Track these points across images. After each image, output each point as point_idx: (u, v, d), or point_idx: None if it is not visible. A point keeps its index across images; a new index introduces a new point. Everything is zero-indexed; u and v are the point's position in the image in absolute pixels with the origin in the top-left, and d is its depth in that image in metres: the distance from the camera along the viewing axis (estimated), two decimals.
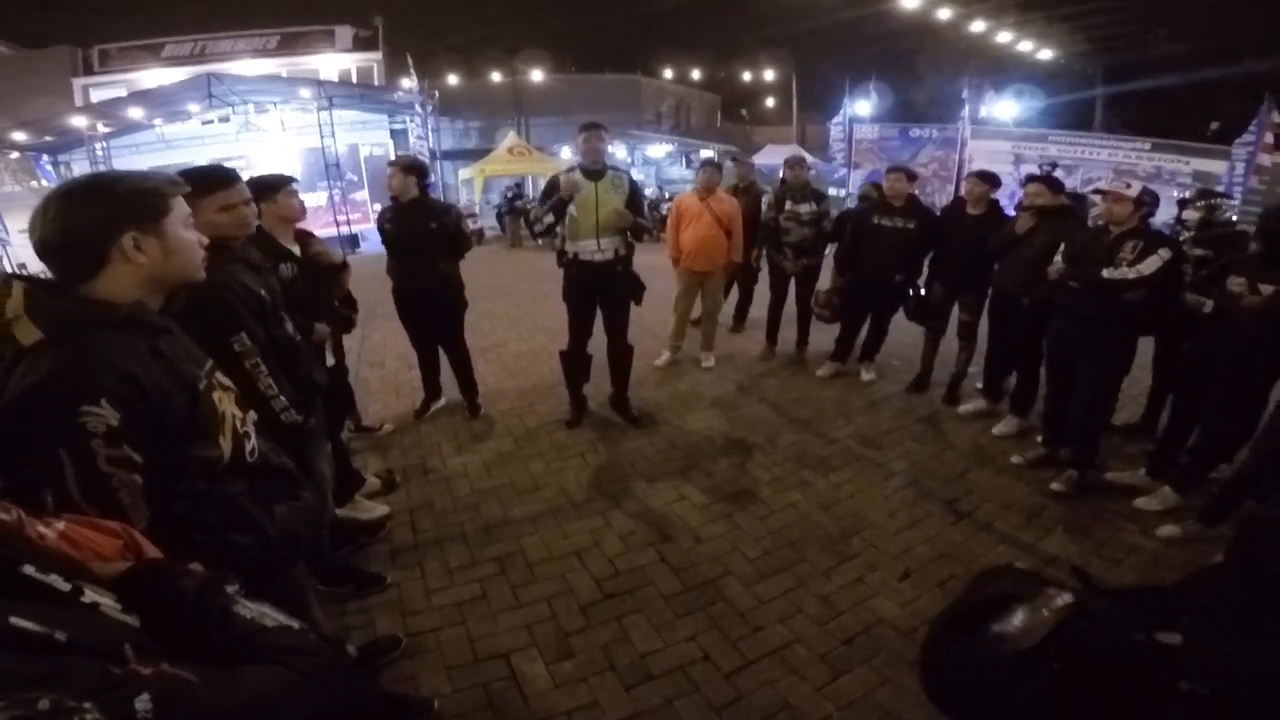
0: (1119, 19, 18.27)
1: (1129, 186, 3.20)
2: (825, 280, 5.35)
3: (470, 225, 4.85)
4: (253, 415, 1.51)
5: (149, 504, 1.21)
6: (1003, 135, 15.72)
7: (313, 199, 13.43)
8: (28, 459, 1.14)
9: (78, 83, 18.34)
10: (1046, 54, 19.48)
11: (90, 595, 0.76)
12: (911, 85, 23.22)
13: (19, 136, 13.47)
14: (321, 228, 13.00)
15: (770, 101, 33.73)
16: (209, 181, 1.99)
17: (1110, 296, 3.09)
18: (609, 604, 2.65)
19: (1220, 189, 8.43)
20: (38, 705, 0.56)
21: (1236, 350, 2.91)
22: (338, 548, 2.90)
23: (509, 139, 17.46)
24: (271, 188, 2.74)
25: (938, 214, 4.83)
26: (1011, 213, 4.25)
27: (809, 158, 5.93)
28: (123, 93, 15.33)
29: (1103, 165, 13.64)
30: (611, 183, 3.77)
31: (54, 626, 0.65)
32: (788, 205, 5.09)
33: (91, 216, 1.18)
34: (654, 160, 21.68)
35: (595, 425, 4.27)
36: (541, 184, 4.16)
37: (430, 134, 15.13)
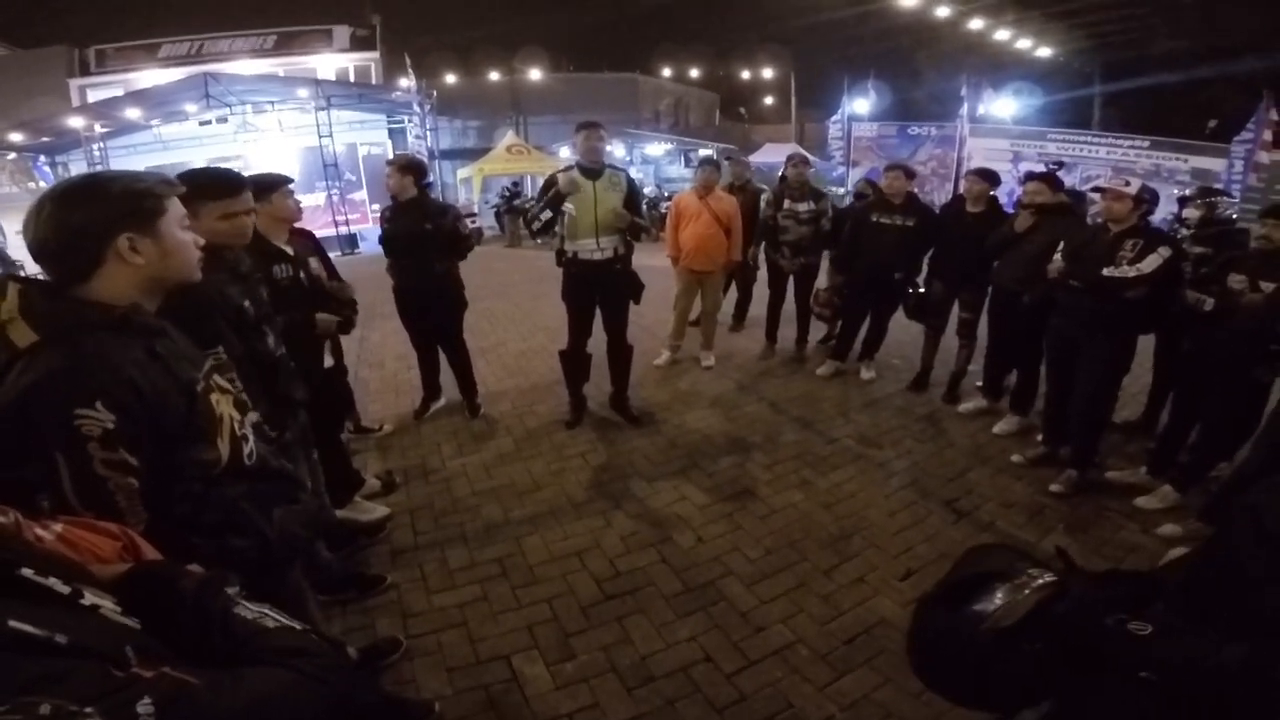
0: (1117, 16, 18.29)
1: (1128, 184, 3.20)
2: (822, 279, 5.35)
3: (469, 225, 4.83)
4: (252, 417, 1.50)
5: (146, 507, 1.20)
6: (1001, 133, 15.74)
7: (311, 199, 13.41)
8: (24, 461, 1.13)
9: (74, 83, 18.30)
10: (1045, 51, 19.51)
11: (90, 598, 0.76)
12: (910, 83, 23.23)
13: (15, 137, 13.46)
14: (320, 228, 12.97)
15: (769, 100, 33.71)
16: (214, 187, 1.97)
17: (1110, 295, 3.09)
18: (610, 605, 2.64)
19: (1219, 186, 8.42)
20: (39, 710, 0.55)
21: (1237, 348, 2.91)
22: (338, 550, 2.90)
23: (507, 138, 17.46)
24: (267, 188, 2.72)
25: (937, 212, 4.82)
26: (1010, 210, 4.25)
27: (809, 156, 5.91)
28: (119, 93, 15.30)
29: (1101, 163, 13.66)
30: (609, 181, 3.76)
31: (54, 629, 0.64)
32: (786, 204, 5.08)
33: (86, 217, 1.17)
34: (653, 159, 21.67)
35: (595, 425, 4.26)
36: (540, 183, 4.14)
37: (428, 133, 15.13)
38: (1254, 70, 15.07)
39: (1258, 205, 8.94)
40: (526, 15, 32.99)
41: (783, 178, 5.35)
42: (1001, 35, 18.53)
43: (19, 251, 8.05)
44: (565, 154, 16.06)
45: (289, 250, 2.79)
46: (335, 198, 14.72)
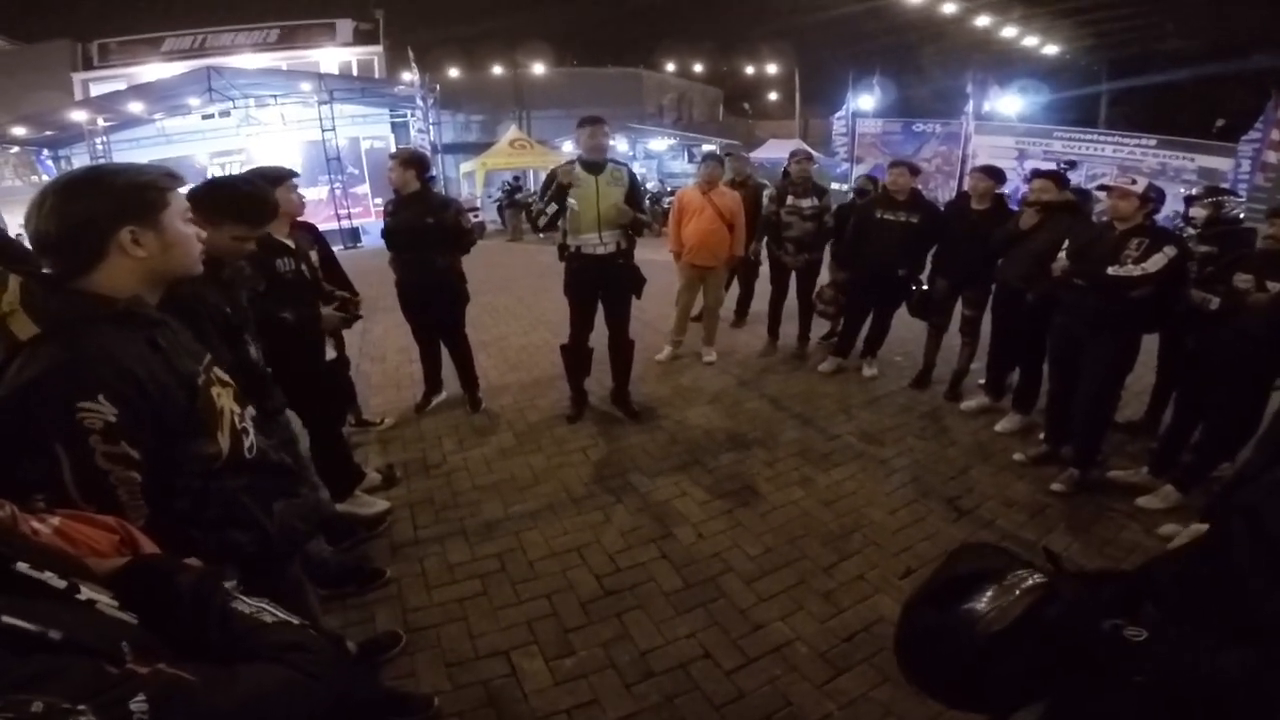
0: (1125, 14, 18.16)
1: (1134, 182, 3.17)
2: (824, 275, 5.33)
3: (471, 219, 4.83)
4: (251, 411, 1.50)
5: (147, 500, 1.20)
6: (1007, 130, 15.70)
7: (314, 193, 13.41)
8: (25, 454, 1.13)
9: (77, 77, 18.30)
10: (1051, 48, 19.39)
11: (86, 592, 0.75)
12: (915, 80, 23.14)
13: (18, 131, 13.48)
14: (322, 221, 12.98)
15: (773, 95, 33.58)
16: (249, 211, 2.00)
17: (1115, 294, 3.07)
18: (609, 600, 2.64)
19: (1226, 185, 8.38)
20: (31, 707, 0.55)
21: (1242, 347, 2.89)
22: (337, 543, 2.90)
23: (510, 132, 17.43)
24: (271, 182, 2.72)
25: (941, 209, 4.79)
26: (1015, 208, 4.23)
27: (813, 153, 5.90)
28: (122, 87, 15.28)
29: (1108, 161, 13.61)
30: (612, 176, 3.75)
31: (48, 625, 0.64)
32: (789, 200, 5.06)
33: (89, 210, 1.16)
34: (656, 154, 21.65)
35: (596, 420, 4.26)
36: (543, 177, 4.13)
37: (431, 127, 15.12)
38: (1263, 69, 14.97)
39: (1265, 204, 8.89)
40: (530, 9, 32.88)
41: (785, 173, 5.33)
42: (1008, 32, 18.43)
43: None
44: (568, 148, 16.04)
45: (290, 244, 2.79)
46: (338, 191, 14.72)
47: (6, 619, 0.62)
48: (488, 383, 4.80)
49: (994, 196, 4.25)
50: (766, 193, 5.62)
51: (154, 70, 16.94)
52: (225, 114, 15.09)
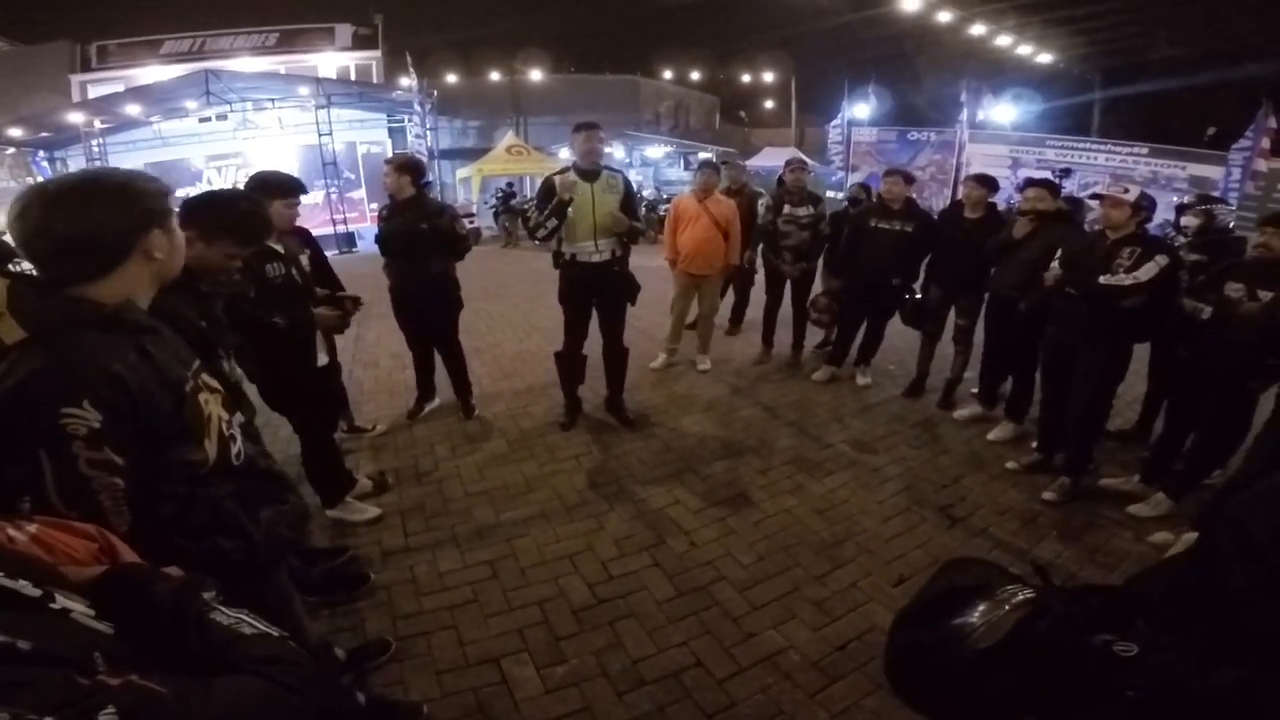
0: (1118, 23, 18.31)
1: (1126, 191, 3.19)
2: (817, 284, 5.35)
3: (466, 225, 4.84)
4: (239, 417, 1.49)
5: (131, 507, 1.19)
6: (1000, 139, 15.79)
7: (309, 197, 13.37)
8: (8, 458, 1.12)
9: (75, 79, 18.26)
10: (1045, 57, 19.52)
11: (61, 601, 0.74)
12: (910, 88, 23.29)
13: (15, 132, 13.44)
14: (318, 226, 12.97)
15: (769, 103, 33.76)
16: (244, 230, 1.99)
17: (1107, 303, 3.08)
18: (602, 608, 2.63)
19: (1217, 194, 8.44)
20: None
21: (1234, 356, 2.90)
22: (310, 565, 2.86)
23: (507, 138, 17.46)
24: (275, 191, 2.73)
25: (935, 217, 4.82)
26: (1008, 217, 4.25)
27: (809, 161, 5.92)
28: (120, 89, 15.27)
29: (1100, 170, 13.69)
30: (607, 183, 3.75)
31: (17, 635, 0.63)
32: (786, 209, 5.08)
33: (123, 214, 1.18)
34: (652, 161, 21.71)
35: (590, 427, 4.25)
36: (539, 183, 4.13)
37: (428, 133, 15.13)
38: (1253, 77, 15.11)
39: (1255, 213, 8.96)
40: (528, 16, 33.00)
41: (780, 182, 5.34)
42: (1002, 41, 18.55)
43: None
44: (565, 155, 16.07)
45: (279, 248, 2.78)
46: (334, 196, 14.71)
47: None
48: (481, 389, 4.79)
49: (987, 205, 4.27)
50: (762, 201, 5.63)
51: (152, 73, 16.92)
52: (222, 117, 15.08)
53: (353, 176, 16.57)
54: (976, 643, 1.13)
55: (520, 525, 3.20)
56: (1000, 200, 4.95)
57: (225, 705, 0.73)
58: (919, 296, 4.62)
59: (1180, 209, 3.99)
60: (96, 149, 13.89)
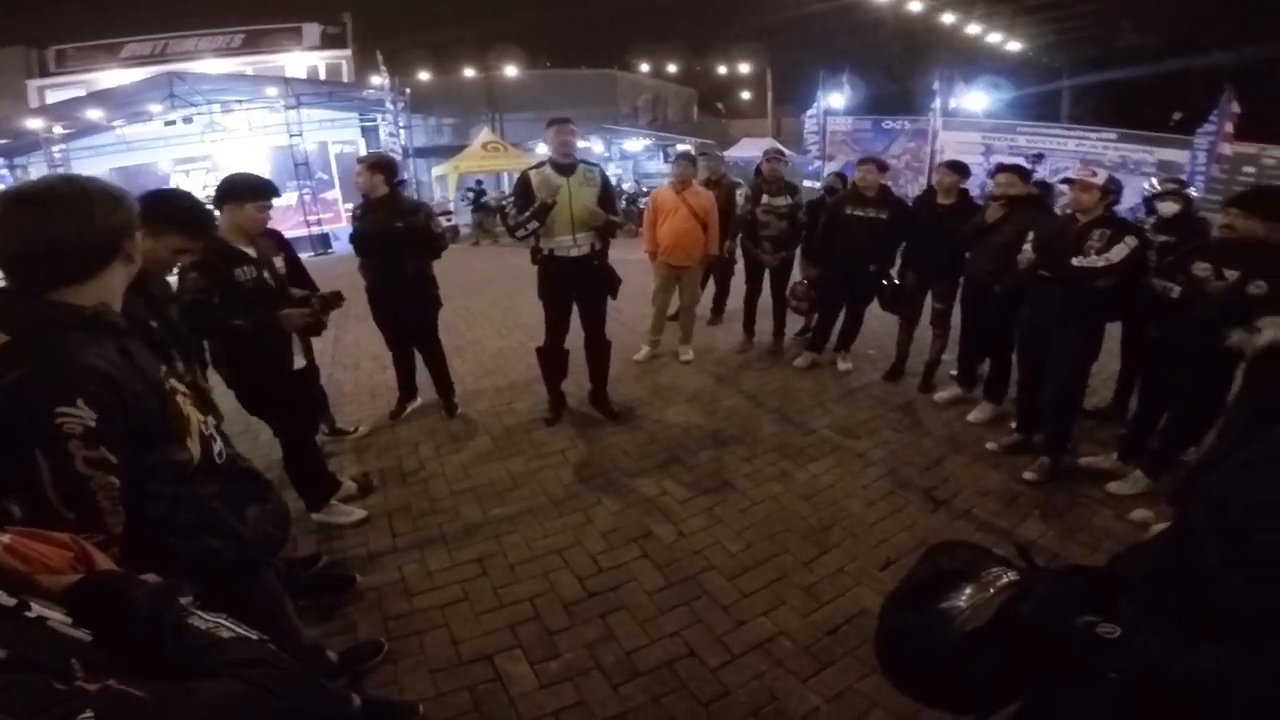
0: (1083, 11, 18.60)
1: (1095, 175, 3.25)
2: (795, 272, 5.38)
3: (444, 223, 4.80)
4: (213, 420, 1.48)
5: (125, 507, 1.20)
6: (973, 126, 15.98)
7: (282, 199, 13.15)
8: (3, 461, 1.13)
9: (33, 84, 17.81)
10: (1014, 46, 19.78)
11: (37, 609, 0.74)
12: (884, 77, 23.48)
13: None
14: (292, 228, 12.79)
15: (746, 95, 33.80)
16: (192, 224, 2.00)
17: (1079, 284, 3.14)
18: (592, 602, 2.63)
19: (1184, 177, 8.62)
20: None
21: (1203, 335, 2.97)
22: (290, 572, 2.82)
23: (483, 135, 17.32)
24: (247, 194, 2.67)
25: (909, 204, 4.87)
26: (981, 202, 4.30)
27: (786, 151, 5.95)
28: (81, 94, 14.88)
29: (1070, 155, 13.91)
30: (584, 177, 3.73)
31: None
32: (764, 199, 5.10)
33: (116, 217, 1.21)
34: (631, 154, 21.67)
35: (574, 422, 4.24)
36: (515, 178, 4.09)
37: (402, 131, 14.94)
38: (1216, 64, 15.45)
39: (1221, 195, 9.17)
40: (501, 11, 32.67)
41: (758, 172, 5.36)
42: (972, 29, 18.77)
43: None
44: (542, 150, 16.00)
45: (251, 252, 2.73)
46: (307, 197, 14.49)
47: None
48: (463, 388, 4.76)
49: (959, 191, 4.33)
50: (740, 191, 5.65)
51: (113, 77, 16.54)
52: (189, 120, 14.72)
53: (326, 177, 16.31)
54: (963, 625, 1.14)
55: (508, 522, 3.19)
56: (973, 186, 5.01)
57: (204, 708, 0.73)
58: (896, 282, 4.68)
59: (1156, 196, 4.04)
60: (58, 155, 13.52)
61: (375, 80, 15.83)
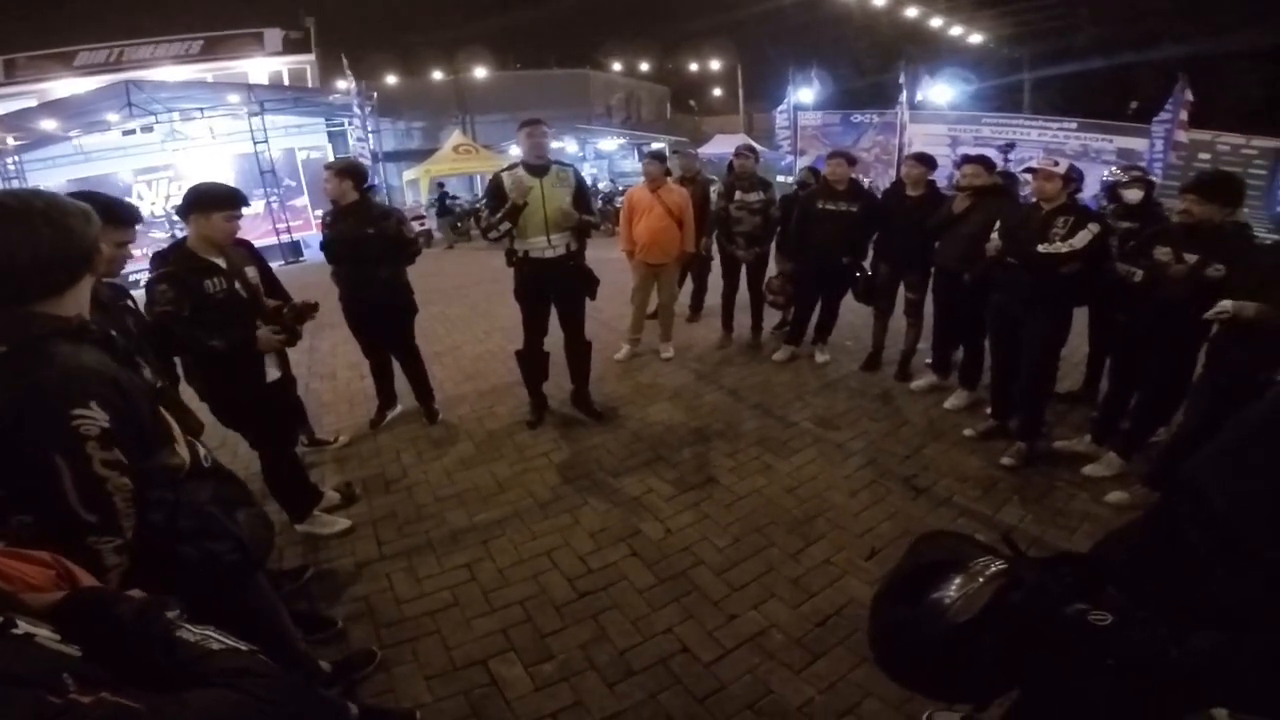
0: (1042, 4, 19.04)
1: (1057, 164, 3.33)
2: (771, 266, 5.43)
3: (417, 228, 4.74)
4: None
5: (135, 511, 1.22)
6: (939, 119, 16.23)
7: (249, 208, 12.89)
8: (19, 472, 1.13)
9: None
10: (976, 38, 20.16)
11: (24, 627, 0.74)
12: (852, 72, 23.75)
13: None
14: (261, 237, 12.53)
15: (717, 91, 34.01)
16: (119, 215, 2.04)
17: (1045, 270, 3.22)
18: (584, 602, 2.64)
19: (1142, 164, 8.86)
20: None
21: (1167, 317, 3.06)
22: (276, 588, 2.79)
23: (454, 137, 17.15)
24: (213, 204, 2.61)
25: (880, 197, 4.94)
26: (949, 193, 4.38)
27: (758, 146, 6.00)
28: (33, 104, 14.39)
29: (1033, 145, 14.21)
30: (557, 177, 3.72)
31: None
32: (737, 195, 5.14)
33: (90, 229, 1.22)
34: (606, 153, 21.64)
35: (557, 423, 4.24)
36: (488, 180, 4.07)
37: (370, 135, 14.72)
38: (1170, 55, 15.88)
39: (1178, 181, 9.44)
40: (468, 13, 32.37)
41: (730, 168, 5.40)
42: (935, 22, 19.09)
43: None
44: (515, 152, 15.89)
45: (220, 263, 2.67)
46: (275, 205, 14.22)
47: None
48: (444, 393, 4.72)
49: (927, 183, 4.41)
50: (714, 188, 5.68)
51: (67, 85, 15.99)
52: (148, 129, 14.33)
53: (293, 184, 16.02)
54: (955, 617, 1.15)
55: (495, 526, 3.18)
56: (941, 178, 5.10)
57: (199, 717, 0.73)
58: (869, 274, 4.75)
59: (1120, 184, 4.15)
60: (12, 167, 13.08)
61: (341, 85, 15.56)
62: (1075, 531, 2.98)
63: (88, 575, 1.04)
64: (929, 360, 4.62)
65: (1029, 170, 3.53)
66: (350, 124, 15.29)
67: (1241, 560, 1.03)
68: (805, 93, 17.45)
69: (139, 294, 2.56)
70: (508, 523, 3.20)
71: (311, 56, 19.33)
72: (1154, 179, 4.05)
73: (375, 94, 15.87)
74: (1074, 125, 14.61)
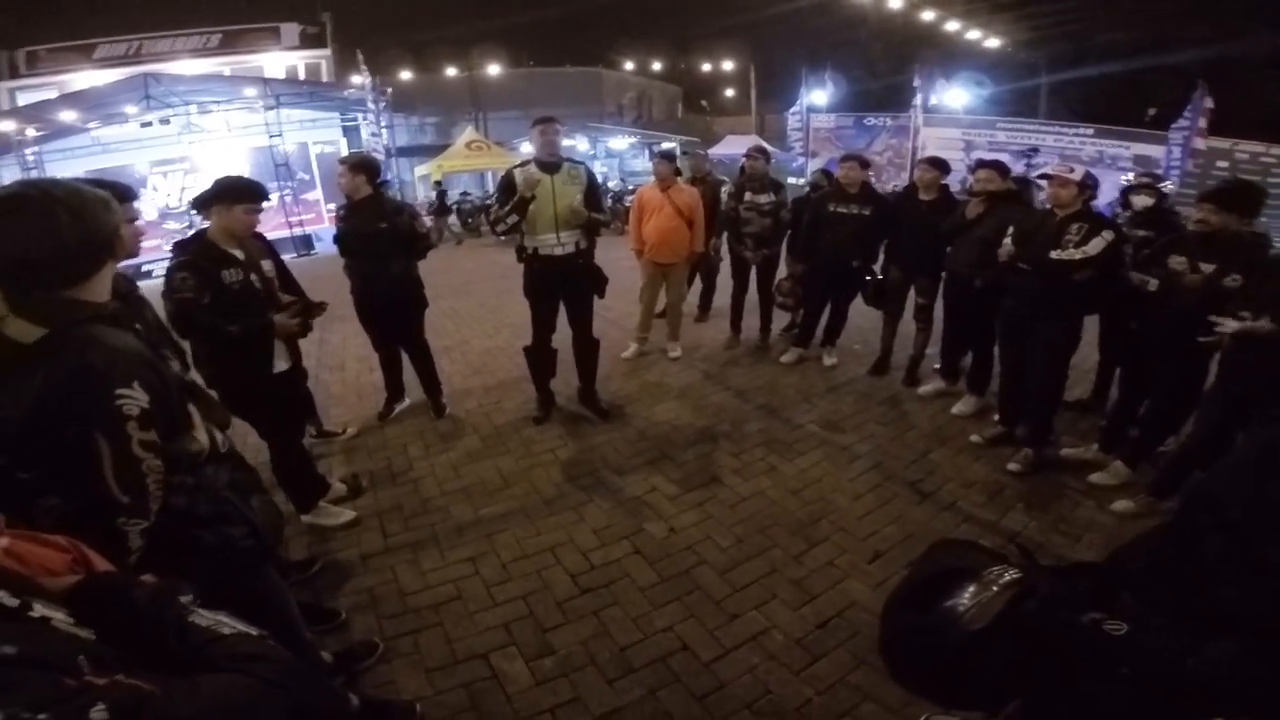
0: (1060, 8, 18.88)
1: (1072, 171, 3.31)
2: (782, 268, 5.42)
3: (427, 223, 4.77)
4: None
5: (163, 494, 1.25)
6: (954, 123, 16.10)
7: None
8: (61, 451, 1.16)
9: (3, 86, 17.46)
10: (993, 43, 20.01)
11: (40, 610, 0.75)
12: (866, 74, 23.65)
13: None
14: (273, 230, 12.63)
15: (730, 92, 33.89)
16: (119, 189, 2.00)
17: (1058, 277, 3.20)
18: (586, 598, 2.65)
19: (1160, 172, 8.77)
20: None
21: (1180, 327, 3.03)
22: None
23: (467, 134, 17.20)
24: (236, 197, 2.66)
25: (892, 200, 4.92)
26: (961, 198, 4.36)
27: (769, 148, 5.99)
28: (53, 95, 14.59)
29: (1049, 150, 14.07)
30: (568, 175, 3.74)
31: (2, 641, 0.64)
32: (747, 196, 5.13)
33: (110, 215, 1.24)
34: (617, 152, 21.64)
35: (564, 420, 4.25)
36: (499, 177, 4.08)
37: (384, 131, 14.80)
38: (1189, 60, 15.71)
39: (1195, 189, 9.34)
40: (484, 10, 32.44)
41: (742, 170, 5.39)
42: (951, 26, 18.97)
43: None
44: (527, 149, 15.90)
45: (238, 254, 2.71)
46: (288, 199, 14.33)
47: None
48: (451, 387, 4.75)
49: (940, 187, 4.38)
50: (725, 189, 5.68)
51: (87, 78, 16.24)
52: (165, 122, 14.45)
53: (307, 177, 16.13)
54: (969, 624, 1.15)
55: (499, 520, 3.20)
56: (954, 182, 5.08)
57: (211, 699, 0.75)
58: (880, 277, 4.73)
59: (1129, 189, 4.12)
60: (31, 158, 13.26)
61: (356, 80, 15.68)
62: (1080, 539, 2.97)
63: (103, 560, 1.05)
64: (937, 366, 4.60)
65: (1044, 176, 3.50)
66: (364, 119, 15.40)
67: (1258, 570, 1.02)
68: (818, 94, 17.38)
69: (149, 284, 2.59)
70: (512, 517, 3.22)
71: (327, 51, 19.50)
72: (1166, 188, 4.00)
73: (389, 89, 15.98)
74: (1090, 131, 14.45)
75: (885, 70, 23.12)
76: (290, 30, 19.35)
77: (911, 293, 4.62)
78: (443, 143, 19.00)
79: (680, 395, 4.62)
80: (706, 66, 30.79)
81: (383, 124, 14.73)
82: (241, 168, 13.17)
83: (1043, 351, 3.41)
